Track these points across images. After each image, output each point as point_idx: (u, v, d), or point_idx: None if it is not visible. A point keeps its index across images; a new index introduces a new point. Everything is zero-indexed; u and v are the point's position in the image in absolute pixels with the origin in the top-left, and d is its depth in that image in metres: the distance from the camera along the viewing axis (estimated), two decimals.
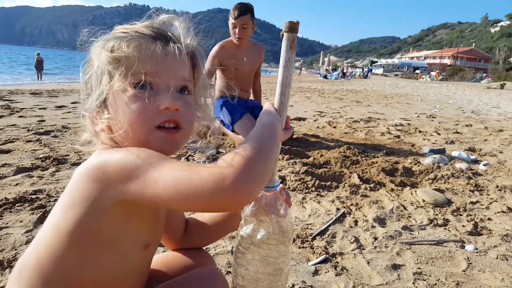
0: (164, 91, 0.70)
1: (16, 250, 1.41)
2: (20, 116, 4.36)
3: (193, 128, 0.79)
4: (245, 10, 3.30)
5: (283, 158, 2.85)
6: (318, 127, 4.70)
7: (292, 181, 2.33)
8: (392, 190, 2.36)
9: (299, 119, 5.38)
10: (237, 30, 3.30)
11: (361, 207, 2.03)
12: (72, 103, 6.02)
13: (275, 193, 0.83)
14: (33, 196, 1.87)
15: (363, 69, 49.54)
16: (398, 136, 4.27)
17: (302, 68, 54.46)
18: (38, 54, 17.37)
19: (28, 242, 1.46)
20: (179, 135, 0.73)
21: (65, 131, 3.60)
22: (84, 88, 0.75)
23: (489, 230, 1.80)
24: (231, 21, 3.34)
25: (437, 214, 1.98)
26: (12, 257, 1.35)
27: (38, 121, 4.09)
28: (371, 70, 53.36)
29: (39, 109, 5.11)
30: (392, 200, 2.15)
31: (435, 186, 2.48)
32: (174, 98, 0.70)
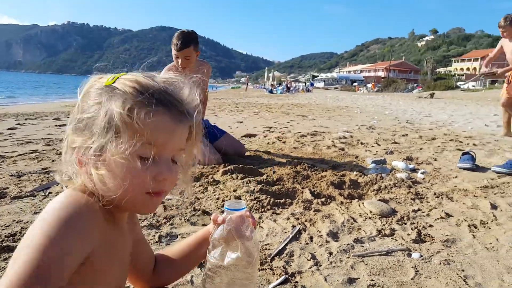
0: (164, 161, 0.73)
1: None
2: None
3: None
4: (187, 42, 3.25)
5: (237, 177, 2.89)
6: (268, 143, 4.81)
7: (247, 200, 2.37)
8: (342, 203, 2.48)
9: (250, 135, 5.47)
10: (179, 61, 3.29)
11: (315, 222, 2.12)
12: (9, 129, 5.60)
13: (241, 216, 0.87)
14: None
15: (305, 83, 51.68)
16: (343, 149, 4.50)
17: (249, 83, 55.60)
18: None
19: None
20: (162, 197, 0.77)
21: (2, 161, 3.34)
22: (77, 119, 0.73)
23: (431, 236, 1.97)
24: (174, 52, 3.29)
25: (384, 224, 2.12)
26: None
27: None
28: (312, 84, 55.84)
29: None
30: (343, 213, 2.27)
31: (380, 196, 2.65)
32: (172, 170, 0.74)
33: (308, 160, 3.78)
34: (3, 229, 1.85)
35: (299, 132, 5.91)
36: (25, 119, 7.12)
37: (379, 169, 3.34)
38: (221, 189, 2.64)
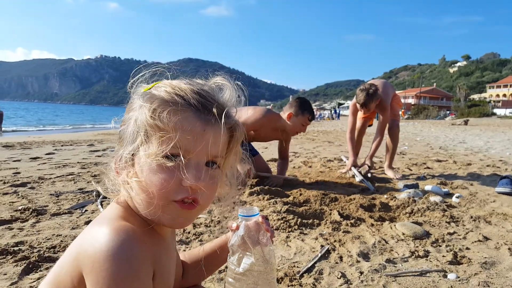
0: (192, 166, 0.69)
1: None
2: None
3: (211, 202, 0.77)
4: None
5: (263, 198, 2.90)
6: (294, 167, 4.80)
7: (274, 220, 2.37)
8: (372, 225, 2.43)
9: (275, 160, 5.48)
10: (305, 129, 3.53)
11: (344, 243, 2.08)
12: (47, 154, 5.91)
13: (256, 222, 0.87)
14: (15, 248, 1.82)
15: (331, 111, 51.43)
16: (372, 173, 4.42)
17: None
18: None
19: None
20: (195, 210, 0.72)
21: (42, 182, 3.52)
22: (120, 130, 0.74)
23: (469, 259, 1.88)
24: (306, 121, 3.48)
25: (417, 246, 2.05)
26: None
27: (13, 173, 3.98)
28: (337, 111, 55.45)
29: (13, 161, 4.98)
30: (373, 234, 2.22)
31: (413, 219, 2.57)
32: (200, 177, 0.69)
33: (336, 184, 3.74)
34: (45, 242, 1.95)
35: (326, 157, 5.87)
36: (61, 145, 7.47)
37: (411, 193, 3.25)
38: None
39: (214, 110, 0.70)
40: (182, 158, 0.67)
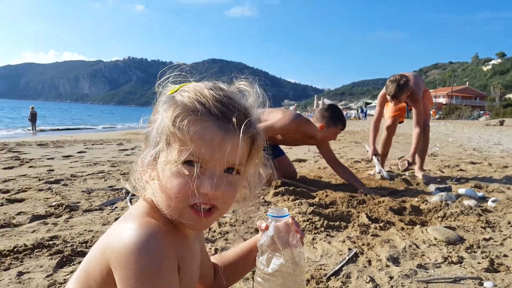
0: (210, 173, 0.70)
1: None
2: (30, 167, 4.44)
3: (230, 206, 0.78)
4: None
5: (288, 199, 2.88)
6: (319, 168, 4.75)
7: (300, 221, 2.34)
8: (402, 228, 2.36)
9: (300, 160, 5.44)
10: (336, 137, 3.50)
11: (373, 246, 2.03)
12: (78, 152, 6.12)
13: (286, 223, 0.87)
14: (50, 242, 1.90)
15: (357, 111, 50.38)
16: (401, 175, 4.30)
17: (297, 112, 55.89)
18: (32, 108, 18.38)
19: (50, 286, 1.48)
20: (212, 216, 0.74)
21: (74, 179, 3.65)
22: (145, 131, 0.77)
23: (507, 266, 1.79)
24: (338, 131, 3.46)
25: (450, 252, 1.97)
26: None
27: (47, 170, 4.16)
28: (363, 111, 54.11)
29: (47, 159, 5.20)
30: (404, 239, 2.15)
31: (445, 223, 2.48)
32: (216, 185, 0.69)
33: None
34: (77, 237, 2.02)
35: (352, 158, 5.77)
36: (92, 144, 7.73)
37: (443, 196, 3.14)
38: None
39: (234, 119, 0.70)
40: (200, 166, 0.69)
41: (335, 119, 3.40)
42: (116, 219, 2.33)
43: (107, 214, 2.48)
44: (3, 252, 1.75)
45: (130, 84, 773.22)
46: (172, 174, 0.69)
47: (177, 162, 0.68)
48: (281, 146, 4.08)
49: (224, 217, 2.35)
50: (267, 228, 0.85)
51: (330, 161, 3.72)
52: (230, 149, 0.69)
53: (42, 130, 18.84)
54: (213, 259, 1.08)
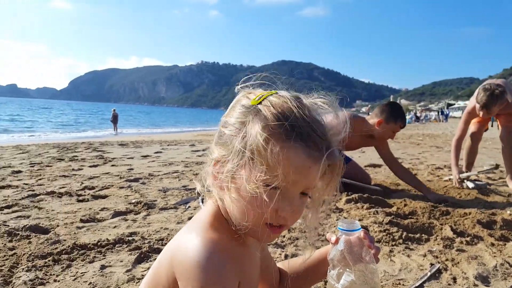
0: (290, 198, 0.70)
1: (119, 287, 1.52)
2: (112, 165, 4.85)
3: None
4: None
5: (362, 207, 2.74)
6: None
7: (375, 231, 2.21)
8: (493, 244, 2.11)
9: (374, 165, 5.18)
10: (394, 136, 3.37)
11: (458, 262, 1.84)
12: (155, 152, 6.53)
13: (358, 238, 0.81)
14: (130, 238, 2.03)
15: (438, 112, 46.53)
16: (489, 184, 3.88)
17: (370, 113, 53.84)
18: (114, 110, 20.13)
19: (129, 280, 1.57)
20: (281, 232, 0.76)
21: (152, 178, 3.89)
22: (220, 131, 0.76)
23: None
24: (397, 128, 3.31)
25: None
26: None
27: (127, 169, 4.50)
28: (443, 112, 49.51)
29: (127, 158, 5.63)
30: (494, 256, 1.92)
31: None
32: (294, 209, 0.71)
33: (446, 195, 3.37)
34: (154, 234, 2.14)
35: (434, 164, 5.35)
36: (167, 145, 8.20)
37: None
38: (345, 217, 2.53)
39: (324, 149, 0.69)
40: (283, 188, 0.69)
41: (396, 114, 3.21)
42: (189, 218, 2.42)
43: (181, 213, 2.59)
44: (88, 246, 1.91)
45: (202, 87, 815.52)
46: (254, 194, 0.68)
47: (259, 182, 0.67)
48: (346, 153, 3.92)
49: None
50: (337, 241, 0.81)
51: (389, 162, 3.52)
52: (313, 176, 0.69)
53: (129, 133, 20.47)
54: (281, 264, 1.07)
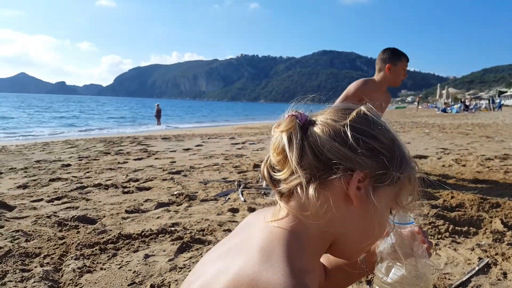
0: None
1: (162, 276, 1.58)
2: (156, 158, 5.02)
3: None
4: None
5: None
6: (443, 165, 4.27)
7: (421, 224, 2.13)
8: None
9: (420, 157, 4.98)
10: (405, 73, 3.40)
11: (509, 257, 1.74)
12: (196, 145, 6.69)
13: (411, 231, 0.78)
14: (172, 228, 2.10)
15: (489, 101, 43.47)
16: None
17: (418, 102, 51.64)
18: (158, 105, 20.82)
19: (171, 269, 1.63)
20: None
21: (193, 171, 3.99)
22: (354, 138, 0.66)
23: None
24: (402, 64, 3.33)
25: None
26: (160, 283, 1.52)
27: (170, 162, 4.64)
28: (494, 101, 45.73)
29: (170, 151, 5.80)
30: None
31: None
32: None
33: (497, 186, 3.17)
34: (195, 225, 2.20)
35: (484, 155, 5.06)
36: (208, 138, 8.35)
37: None
38: None
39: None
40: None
41: (397, 53, 3.32)
42: (229, 210, 2.47)
43: (221, 204, 2.64)
44: (133, 235, 2.00)
45: (242, 80, 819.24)
46: (378, 219, 0.67)
47: (388, 205, 0.69)
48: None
49: None
50: (387, 234, 0.77)
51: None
52: None
53: (171, 128, 21.14)
54: (323, 259, 1.00)
